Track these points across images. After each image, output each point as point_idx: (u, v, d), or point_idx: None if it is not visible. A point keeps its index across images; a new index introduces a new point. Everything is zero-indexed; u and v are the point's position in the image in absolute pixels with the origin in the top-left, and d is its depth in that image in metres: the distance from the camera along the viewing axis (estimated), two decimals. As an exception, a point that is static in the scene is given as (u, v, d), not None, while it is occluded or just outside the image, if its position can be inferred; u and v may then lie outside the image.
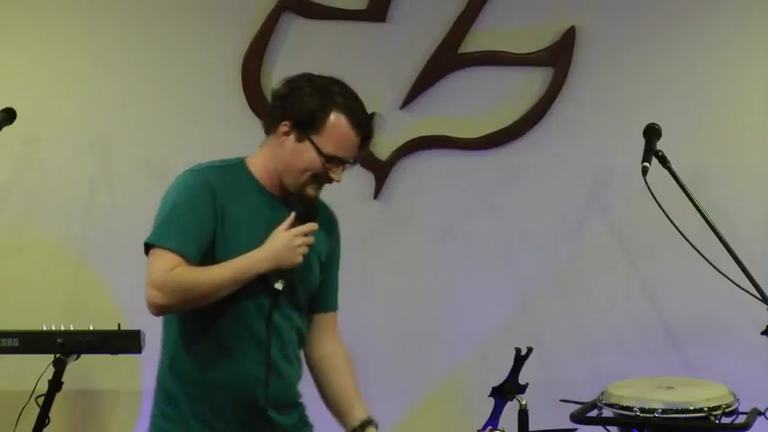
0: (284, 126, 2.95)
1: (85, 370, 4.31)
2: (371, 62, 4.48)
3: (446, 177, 4.50)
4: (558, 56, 4.46)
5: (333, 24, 4.51)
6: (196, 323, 2.97)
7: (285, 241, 2.90)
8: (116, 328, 3.97)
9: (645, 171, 3.69)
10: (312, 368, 3.16)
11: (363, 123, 2.95)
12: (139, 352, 3.99)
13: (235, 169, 3.01)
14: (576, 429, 3.49)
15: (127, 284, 4.50)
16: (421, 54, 4.48)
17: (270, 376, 2.94)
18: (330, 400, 3.13)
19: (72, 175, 4.55)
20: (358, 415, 3.08)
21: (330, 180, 2.96)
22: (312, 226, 2.94)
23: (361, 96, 3.01)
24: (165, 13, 4.52)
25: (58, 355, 3.89)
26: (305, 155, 2.93)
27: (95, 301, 4.52)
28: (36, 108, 4.49)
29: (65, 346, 3.90)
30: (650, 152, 3.76)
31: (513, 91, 4.50)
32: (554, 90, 4.46)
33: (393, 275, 4.52)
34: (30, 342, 3.97)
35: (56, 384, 3.88)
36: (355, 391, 3.12)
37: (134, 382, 4.52)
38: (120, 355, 4.02)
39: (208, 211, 2.92)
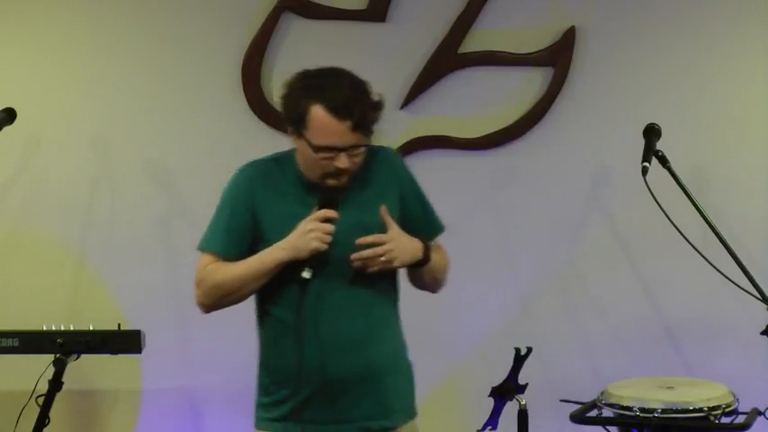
0: (288, 128, 3.03)
1: (85, 370, 4.32)
2: (371, 62, 4.44)
3: (446, 177, 4.49)
4: (558, 56, 4.45)
5: (333, 24, 4.51)
6: (264, 315, 3.11)
7: (299, 229, 2.97)
8: (116, 328, 3.98)
9: (645, 171, 3.69)
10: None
11: (342, 108, 2.92)
12: (139, 352, 3.99)
13: (287, 161, 3.09)
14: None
15: (127, 284, 4.52)
16: (421, 54, 4.48)
17: (302, 362, 2.99)
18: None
19: (72, 175, 4.54)
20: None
21: (339, 169, 2.96)
22: (326, 212, 2.97)
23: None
24: (165, 13, 4.52)
25: (57, 355, 3.90)
26: (305, 151, 2.99)
27: (95, 301, 4.52)
28: (36, 108, 4.49)
29: (65, 346, 3.91)
30: (650, 152, 3.76)
31: (513, 91, 4.49)
32: (554, 90, 4.46)
33: (393, 275, 4.51)
34: (30, 342, 3.98)
35: (56, 384, 3.89)
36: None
37: (134, 382, 4.53)
38: (120, 355, 4.03)
39: (243, 210, 3.04)
